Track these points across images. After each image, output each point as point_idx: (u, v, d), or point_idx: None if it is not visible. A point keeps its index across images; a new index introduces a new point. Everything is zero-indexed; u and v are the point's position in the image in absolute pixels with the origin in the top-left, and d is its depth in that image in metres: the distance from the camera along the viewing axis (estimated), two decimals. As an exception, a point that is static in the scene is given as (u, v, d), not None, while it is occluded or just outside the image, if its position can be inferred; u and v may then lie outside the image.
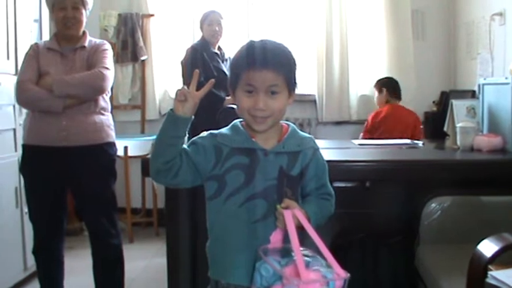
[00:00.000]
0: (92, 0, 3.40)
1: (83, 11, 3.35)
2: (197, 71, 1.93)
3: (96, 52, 3.40)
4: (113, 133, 3.47)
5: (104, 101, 3.45)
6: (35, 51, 3.36)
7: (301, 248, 1.73)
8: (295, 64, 1.95)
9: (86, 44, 3.41)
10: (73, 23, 3.33)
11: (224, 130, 1.96)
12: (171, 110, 1.87)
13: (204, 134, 1.98)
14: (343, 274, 1.69)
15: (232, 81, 1.92)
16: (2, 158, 3.76)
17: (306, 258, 1.72)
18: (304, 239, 1.78)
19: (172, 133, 1.88)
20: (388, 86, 5.12)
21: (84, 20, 3.38)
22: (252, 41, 1.97)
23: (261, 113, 1.85)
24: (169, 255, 3.04)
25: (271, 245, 1.81)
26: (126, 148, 5.35)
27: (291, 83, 1.92)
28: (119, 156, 5.40)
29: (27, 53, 3.37)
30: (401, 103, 5.13)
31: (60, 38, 3.39)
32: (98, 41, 3.50)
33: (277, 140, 1.94)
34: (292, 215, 1.78)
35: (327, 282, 1.67)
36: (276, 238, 1.82)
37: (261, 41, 1.96)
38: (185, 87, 1.88)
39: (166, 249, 3.06)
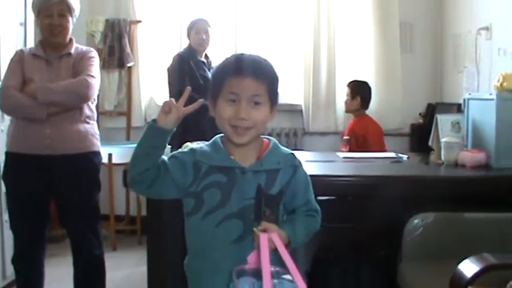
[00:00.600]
0: (78, 7, 3.37)
1: (70, 18, 3.32)
2: (189, 88, 1.92)
3: (82, 59, 3.37)
4: (98, 142, 3.45)
5: (89, 109, 3.42)
6: (19, 57, 3.33)
7: (276, 269, 1.73)
8: (277, 79, 1.95)
9: (72, 51, 3.38)
10: (59, 31, 3.30)
11: (204, 146, 1.94)
12: (153, 120, 1.85)
13: (186, 148, 1.96)
14: None
15: (215, 90, 1.89)
16: None
17: (275, 281, 1.71)
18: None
19: (150, 143, 1.86)
20: (364, 95, 5.02)
21: (71, 27, 3.36)
22: (235, 54, 1.97)
23: (242, 122, 1.83)
24: (150, 265, 3.02)
25: (248, 266, 1.78)
26: (110, 155, 5.31)
27: (273, 96, 1.90)
28: (103, 164, 5.39)
29: (12, 59, 3.34)
30: (389, 114, 5.14)
31: (46, 44, 3.36)
32: (84, 48, 3.48)
33: (256, 156, 1.91)
34: (268, 238, 1.75)
35: None
36: (253, 259, 1.79)
37: (246, 53, 1.95)
38: (173, 100, 1.86)
39: (147, 260, 3.03)
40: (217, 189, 1.86)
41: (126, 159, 5.08)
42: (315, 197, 2.05)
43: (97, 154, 3.44)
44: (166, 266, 2.98)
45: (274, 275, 1.74)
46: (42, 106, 3.20)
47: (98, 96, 3.55)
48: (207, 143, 1.96)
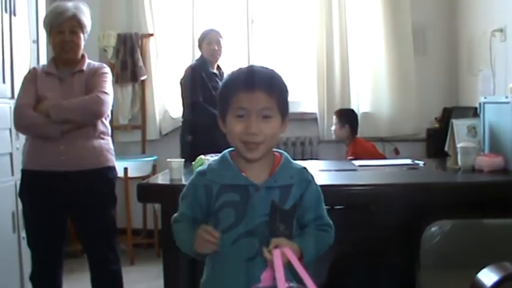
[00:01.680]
0: (89, 23, 3.37)
1: (81, 35, 3.32)
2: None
3: (94, 76, 3.36)
4: (112, 157, 3.44)
5: (103, 125, 3.41)
6: (32, 75, 3.34)
7: (291, 284, 1.70)
8: (287, 90, 1.92)
9: (84, 67, 3.38)
10: (71, 47, 3.30)
11: (213, 164, 1.92)
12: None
13: (193, 177, 1.96)
14: None
15: (223, 106, 1.87)
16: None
17: None
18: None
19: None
20: (352, 123, 5.10)
21: (83, 43, 3.36)
22: (242, 67, 1.94)
23: (253, 137, 1.80)
24: (166, 280, 3.03)
25: (262, 284, 1.76)
26: (126, 169, 5.31)
27: (283, 108, 1.88)
28: (119, 178, 5.39)
29: (25, 77, 3.35)
30: (404, 119, 5.09)
31: (58, 61, 3.37)
32: (96, 64, 3.48)
33: (268, 172, 1.89)
34: (281, 253, 1.73)
35: None
36: (266, 276, 1.77)
37: (252, 66, 1.94)
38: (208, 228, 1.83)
39: (163, 275, 3.04)
40: (231, 209, 1.85)
41: (142, 172, 5.14)
42: (332, 206, 2.03)
43: (112, 169, 3.43)
44: (183, 280, 2.97)
45: None
46: (56, 124, 3.20)
47: (112, 111, 3.55)
48: (215, 158, 1.95)
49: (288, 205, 1.87)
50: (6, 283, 3.87)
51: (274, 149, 1.94)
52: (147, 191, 3.09)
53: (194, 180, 1.92)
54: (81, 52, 3.37)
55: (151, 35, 5.82)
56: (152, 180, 3.54)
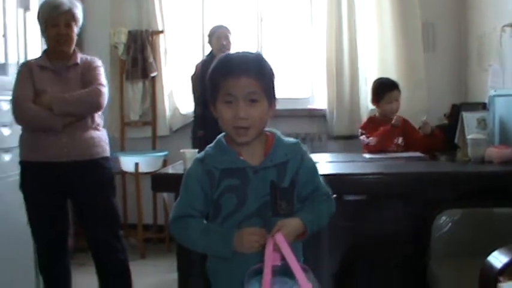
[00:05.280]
0: (82, 16, 3.45)
1: (74, 28, 3.41)
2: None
3: (89, 69, 3.46)
4: (108, 148, 3.55)
5: (99, 116, 3.53)
6: (28, 69, 3.38)
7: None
8: (273, 74, 1.95)
9: (78, 61, 3.46)
10: (66, 40, 3.38)
11: (209, 150, 1.96)
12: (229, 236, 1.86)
13: (192, 165, 1.98)
14: None
15: (212, 93, 1.91)
16: (10, 176, 3.72)
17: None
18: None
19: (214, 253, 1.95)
20: None
21: (75, 36, 3.43)
22: (228, 53, 1.99)
23: (242, 122, 1.84)
24: (180, 271, 3.07)
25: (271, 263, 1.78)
26: (137, 164, 5.36)
27: (269, 92, 1.92)
28: (130, 173, 5.44)
29: (19, 72, 3.40)
30: (413, 116, 5.03)
31: (51, 55, 3.43)
32: (88, 57, 3.56)
33: (263, 152, 1.93)
34: (273, 241, 1.77)
35: None
36: (275, 256, 1.78)
37: (237, 52, 1.98)
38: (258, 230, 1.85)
39: (177, 266, 3.07)
40: (232, 194, 1.89)
41: (153, 168, 5.17)
42: (341, 195, 2.06)
43: (108, 159, 3.54)
44: (196, 272, 2.99)
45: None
46: (58, 117, 3.27)
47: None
48: (211, 145, 1.98)
49: (286, 182, 1.91)
50: (21, 276, 3.93)
51: (266, 129, 1.97)
52: (161, 181, 3.13)
53: (195, 168, 1.95)
54: (73, 45, 3.45)
55: (161, 32, 5.84)
56: (164, 171, 3.59)
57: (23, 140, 3.40)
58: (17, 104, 3.30)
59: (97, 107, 3.40)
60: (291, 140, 2.00)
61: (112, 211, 3.49)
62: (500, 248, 2.09)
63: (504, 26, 4.43)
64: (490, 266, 2.03)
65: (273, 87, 1.94)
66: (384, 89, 4.37)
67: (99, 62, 3.55)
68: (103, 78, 3.49)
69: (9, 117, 3.46)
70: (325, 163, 3.40)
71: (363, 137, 4.25)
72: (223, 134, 1.96)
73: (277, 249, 1.76)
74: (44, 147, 3.29)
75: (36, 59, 3.52)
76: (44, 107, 3.26)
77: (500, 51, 4.51)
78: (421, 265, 2.89)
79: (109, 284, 3.50)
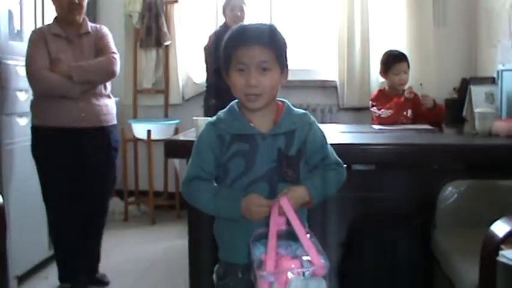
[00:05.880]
0: None
1: None
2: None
3: (102, 38, 3.58)
4: (115, 116, 3.72)
5: (110, 85, 3.66)
6: (41, 36, 3.45)
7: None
8: (285, 43, 2.00)
9: (89, 29, 3.53)
10: (77, 9, 3.45)
11: (222, 114, 2.02)
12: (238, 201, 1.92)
13: (204, 128, 2.03)
14: (320, 263, 1.73)
15: (225, 62, 1.97)
16: (27, 140, 3.73)
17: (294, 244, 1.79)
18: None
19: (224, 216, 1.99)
20: None
21: (86, 5, 3.53)
22: (241, 24, 2.03)
23: (253, 89, 1.90)
24: (191, 235, 3.08)
25: (277, 227, 1.83)
26: (149, 132, 5.44)
27: (281, 60, 1.96)
28: (142, 140, 5.52)
29: (32, 39, 3.45)
30: (423, 89, 5.05)
31: (63, 22, 3.49)
32: (97, 26, 3.66)
33: (273, 120, 1.98)
34: (278, 205, 1.83)
35: (303, 272, 1.71)
36: (281, 221, 1.84)
37: (250, 24, 2.02)
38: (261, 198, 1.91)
39: (188, 230, 3.09)
40: (241, 158, 1.94)
41: (165, 135, 5.25)
42: (350, 166, 2.10)
43: (116, 127, 3.75)
44: (206, 237, 3.05)
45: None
46: (75, 85, 3.35)
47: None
48: (223, 110, 2.04)
49: (293, 150, 1.96)
50: (34, 236, 4.00)
51: (277, 99, 2.03)
52: (174, 147, 3.16)
53: (207, 131, 2.00)
54: (84, 14, 3.55)
55: (176, 1, 5.88)
56: (176, 137, 3.65)
57: (36, 105, 3.48)
58: (34, 73, 3.36)
59: (113, 74, 3.53)
60: (300, 110, 2.05)
61: (113, 173, 3.74)
62: (503, 217, 2.14)
63: (514, 2, 4.47)
64: (493, 235, 2.07)
65: (285, 57, 1.99)
66: (392, 60, 4.42)
67: (107, 30, 3.66)
68: (114, 46, 3.60)
69: (26, 82, 3.52)
70: (335, 134, 3.44)
71: (374, 109, 4.30)
72: (236, 101, 2.02)
73: (282, 212, 1.82)
74: (61, 113, 3.37)
75: (46, 26, 3.58)
76: (62, 74, 3.34)
77: (510, 26, 4.54)
78: (428, 234, 2.94)
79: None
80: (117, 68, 3.55)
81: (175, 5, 5.90)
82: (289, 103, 2.05)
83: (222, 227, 2.04)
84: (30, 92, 3.65)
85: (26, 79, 3.46)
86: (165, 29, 5.79)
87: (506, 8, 4.57)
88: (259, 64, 1.90)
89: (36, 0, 4.10)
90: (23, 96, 3.83)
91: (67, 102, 3.38)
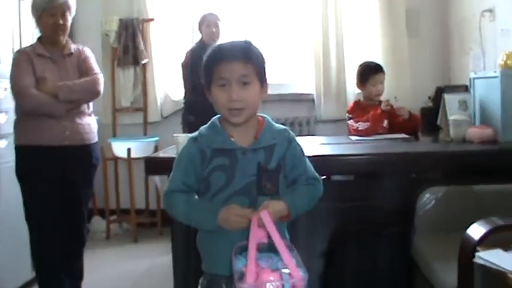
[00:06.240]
0: (75, 6, 3.56)
1: (69, 18, 3.52)
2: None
3: (85, 60, 3.62)
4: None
5: (92, 104, 3.70)
6: (26, 56, 3.45)
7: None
8: (263, 58, 2.05)
9: (72, 50, 3.57)
10: (62, 29, 3.48)
11: (203, 130, 2.06)
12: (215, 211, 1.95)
13: (186, 144, 2.07)
14: (298, 276, 1.76)
15: (206, 79, 2.01)
16: (7, 162, 3.75)
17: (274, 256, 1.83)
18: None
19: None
20: None
21: (69, 26, 3.55)
22: (220, 43, 2.09)
23: (235, 104, 1.94)
24: (174, 248, 3.10)
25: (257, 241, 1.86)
26: (129, 150, 5.46)
27: (261, 74, 2.01)
28: (122, 158, 5.53)
29: (18, 59, 3.46)
30: (398, 99, 5.10)
31: (46, 43, 3.52)
32: (80, 46, 3.68)
33: (253, 135, 2.03)
34: (258, 218, 1.87)
35: (282, 284, 1.74)
36: (262, 234, 1.87)
37: (230, 41, 2.07)
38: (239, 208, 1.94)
39: (171, 244, 3.11)
40: (222, 172, 1.98)
41: (145, 153, 5.27)
42: (328, 176, 2.14)
43: (97, 145, 3.76)
44: (190, 252, 3.07)
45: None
46: (61, 103, 3.39)
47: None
48: (205, 125, 2.08)
49: (273, 164, 2.01)
50: (18, 257, 3.98)
51: (258, 114, 2.08)
52: (154, 164, 3.18)
53: (189, 146, 2.04)
54: (67, 35, 3.58)
55: (152, 19, 5.92)
56: (155, 155, 3.68)
57: (20, 124, 3.48)
58: (21, 91, 3.37)
59: (97, 93, 3.58)
60: (281, 126, 2.11)
61: (91, 192, 3.80)
62: (479, 221, 2.19)
63: (483, 11, 4.56)
64: (469, 238, 2.13)
65: (264, 71, 2.04)
66: (369, 71, 4.47)
67: (89, 51, 3.69)
68: (97, 67, 3.65)
69: (5, 104, 3.54)
70: (314, 146, 3.49)
71: (351, 122, 4.35)
72: (218, 116, 2.06)
73: (261, 225, 1.85)
74: (45, 131, 3.39)
75: (30, 46, 3.58)
76: (48, 93, 3.37)
77: (480, 35, 4.64)
78: (407, 240, 2.98)
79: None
80: (102, 88, 3.60)
81: (152, 23, 5.94)
82: (269, 118, 2.10)
83: (204, 239, 2.07)
84: (10, 113, 3.65)
85: (4, 101, 3.47)
86: (142, 47, 5.83)
87: (477, 17, 4.67)
88: (239, 79, 1.94)
89: (13, 23, 4.12)
90: (3, 118, 3.84)
91: (51, 120, 3.40)
